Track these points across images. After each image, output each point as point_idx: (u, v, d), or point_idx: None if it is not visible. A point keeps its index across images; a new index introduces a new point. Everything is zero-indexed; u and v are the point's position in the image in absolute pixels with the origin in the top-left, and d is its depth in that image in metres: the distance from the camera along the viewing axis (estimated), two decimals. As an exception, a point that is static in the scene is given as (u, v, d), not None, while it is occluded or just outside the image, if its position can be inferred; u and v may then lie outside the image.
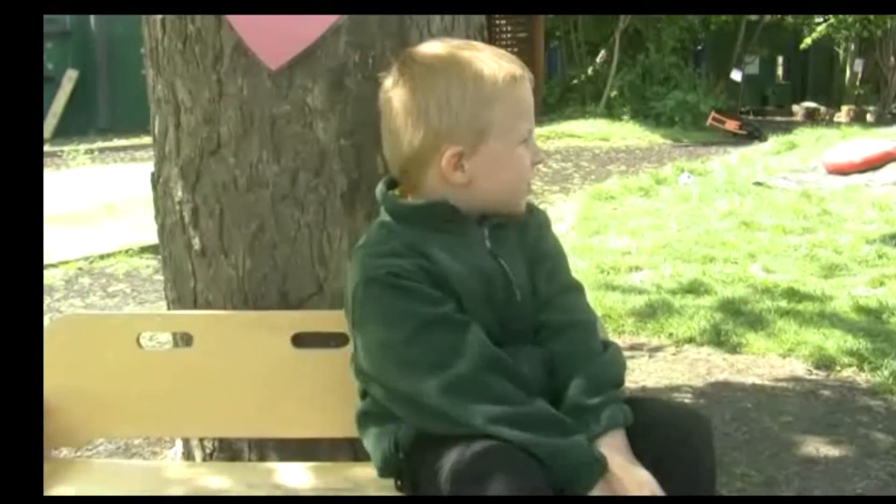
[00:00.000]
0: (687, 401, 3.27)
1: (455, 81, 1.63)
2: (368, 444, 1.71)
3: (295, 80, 1.96)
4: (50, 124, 14.30)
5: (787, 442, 2.88)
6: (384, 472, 1.70)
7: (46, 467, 1.97)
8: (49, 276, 5.54)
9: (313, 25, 1.94)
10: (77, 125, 14.19)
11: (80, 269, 5.82)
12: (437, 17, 2.09)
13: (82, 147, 12.17)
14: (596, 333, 1.72)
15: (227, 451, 2.19)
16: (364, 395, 1.71)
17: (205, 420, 2.04)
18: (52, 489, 1.91)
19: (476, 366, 1.54)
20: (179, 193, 2.10)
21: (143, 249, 6.13)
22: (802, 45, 19.45)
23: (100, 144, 12.99)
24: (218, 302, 2.11)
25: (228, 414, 2.01)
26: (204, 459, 2.23)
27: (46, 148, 12.34)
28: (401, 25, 2.02)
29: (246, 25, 1.94)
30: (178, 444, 2.40)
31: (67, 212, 7.58)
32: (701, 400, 3.27)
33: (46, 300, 5.01)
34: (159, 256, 6.35)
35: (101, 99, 14.81)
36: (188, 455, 2.31)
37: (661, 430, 1.57)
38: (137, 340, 2.04)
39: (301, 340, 1.97)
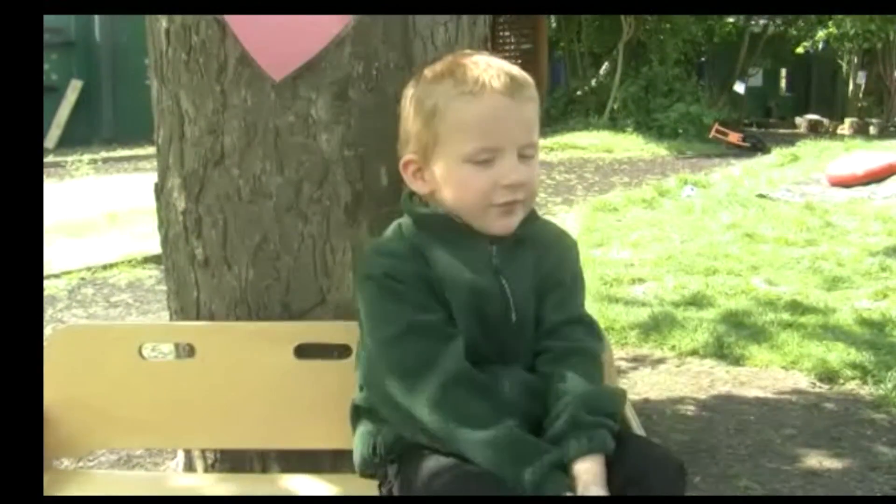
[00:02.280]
0: (689, 413, 3.26)
1: (415, 92, 1.70)
2: (355, 439, 1.74)
3: (299, 92, 1.97)
4: (54, 134, 14.32)
5: (790, 455, 2.87)
6: (362, 472, 1.72)
7: (47, 477, 1.97)
8: (52, 286, 5.54)
9: (317, 37, 1.95)
10: (81, 135, 14.20)
11: (82, 279, 5.81)
12: (441, 29, 2.10)
13: (86, 157, 12.19)
14: (599, 364, 1.68)
15: (229, 462, 2.18)
16: (361, 387, 1.74)
17: (207, 431, 2.04)
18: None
19: (445, 380, 1.56)
20: (183, 204, 2.10)
21: (147, 259, 6.14)
22: (799, 49, 19.46)
23: (104, 154, 13.00)
24: (221, 312, 2.11)
25: (231, 425, 2.01)
26: (206, 470, 2.23)
27: (50, 158, 12.37)
28: (405, 37, 2.02)
29: (250, 36, 1.94)
30: (180, 455, 2.40)
31: (70, 221, 7.58)
32: (704, 412, 3.26)
33: (49, 310, 5.01)
34: (162, 267, 6.37)
35: (106, 109, 14.83)
36: (190, 466, 2.30)
37: (633, 464, 1.53)
38: (139, 351, 2.04)
39: (303, 351, 1.97)
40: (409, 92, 1.72)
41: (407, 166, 1.71)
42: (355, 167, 2.00)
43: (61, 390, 2.03)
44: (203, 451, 2.22)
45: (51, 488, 1.95)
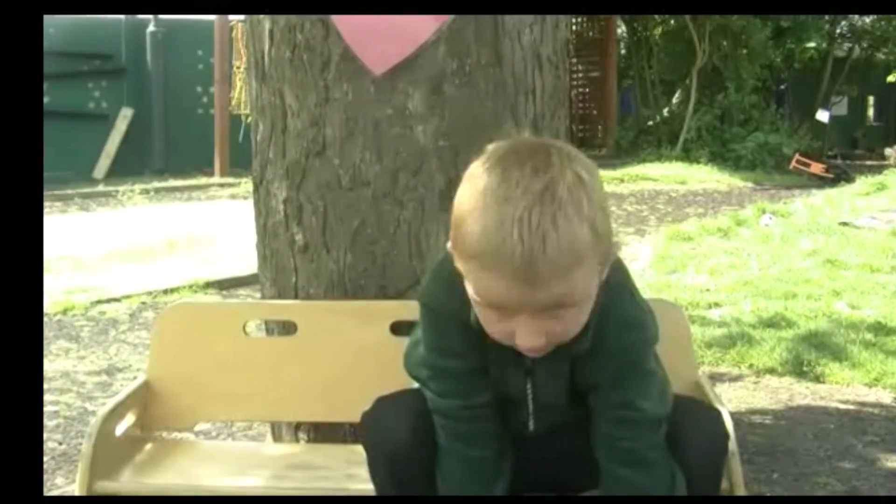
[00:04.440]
0: (768, 422, 3.47)
1: (458, 197, 1.61)
2: None
3: (397, 86, 2.27)
4: (104, 164, 14.82)
5: (871, 458, 3.07)
6: None
7: (153, 447, 2.27)
8: (112, 310, 5.85)
9: (415, 35, 2.25)
10: (131, 165, 14.66)
11: (143, 303, 6.12)
12: (527, 30, 2.40)
13: (137, 187, 12.66)
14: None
15: (324, 434, 2.46)
16: None
17: (305, 405, 2.33)
18: (158, 468, 2.20)
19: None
20: (284, 193, 2.41)
21: (208, 284, 6.44)
22: (890, 78, 19.44)
23: (155, 185, 13.45)
24: (318, 295, 2.41)
25: (328, 399, 2.30)
26: (308, 442, 2.51)
27: (100, 188, 12.90)
28: (495, 36, 2.32)
29: (353, 34, 2.25)
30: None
31: (128, 248, 7.93)
32: (782, 421, 3.47)
33: (112, 332, 5.33)
34: (223, 292, 6.61)
35: (157, 139, 15.31)
36: (279, 438, 2.59)
37: (678, 425, 1.76)
38: (244, 328, 2.33)
39: (399, 328, 2.25)
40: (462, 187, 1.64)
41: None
42: (449, 157, 2.29)
43: (169, 366, 2.33)
44: (299, 424, 2.50)
45: (156, 457, 2.24)
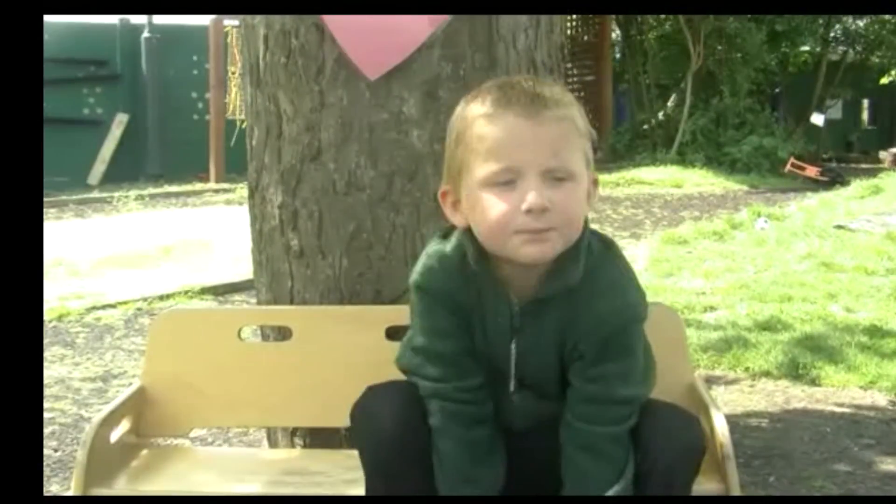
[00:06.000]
0: (763, 425, 3.47)
1: (451, 119, 1.80)
2: None
3: (392, 91, 2.28)
4: (98, 170, 14.82)
5: (866, 461, 3.08)
6: None
7: (150, 453, 2.27)
8: (108, 316, 5.85)
9: (409, 39, 2.25)
10: (127, 171, 14.66)
11: (139, 309, 6.12)
12: (522, 34, 2.40)
13: (133, 193, 12.64)
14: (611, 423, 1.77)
15: (319, 440, 2.46)
16: None
17: (302, 410, 2.33)
18: (154, 474, 2.19)
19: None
20: (279, 198, 2.41)
21: (204, 290, 6.43)
22: (883, 80, 19.48)
23: (150, 191, 13.44)
24: (314, 301, 2.41)
25: (325, 404, 2.29)
26: (304, 447, 2.51)
27: (95, 194, 12.89)
28: (489, 40, 2.33)
29: (347, 38, 2.25)
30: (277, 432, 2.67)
31: (123, 254, 7.93)
32: (778, 424, 3.48)
33: (107, 338, 5.32)
34: (219, 298, 6.62)
35: (152, 144, 15.30)
36: (275, 444, 2.59)
37: (653, 427, 1.77)
38: (238, 334, 2.33)
39: (395, 333, 2.25)
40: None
41: (444, 197, 1.79)
42: (444, 161, 2.29)
43: (164, 372, 2.33)
44: (294, 430, 2.50)
45: (152, 463, 2.24)
